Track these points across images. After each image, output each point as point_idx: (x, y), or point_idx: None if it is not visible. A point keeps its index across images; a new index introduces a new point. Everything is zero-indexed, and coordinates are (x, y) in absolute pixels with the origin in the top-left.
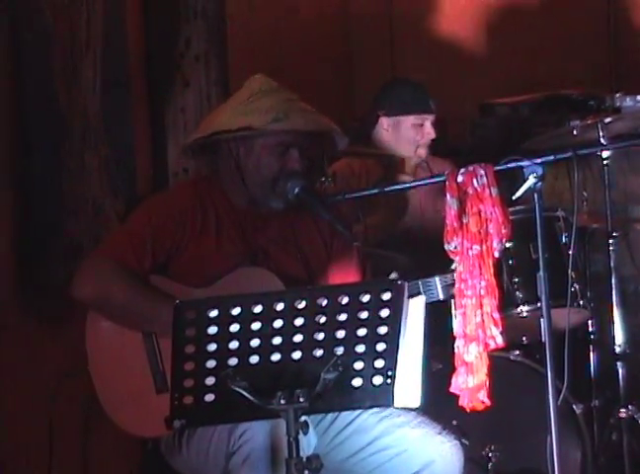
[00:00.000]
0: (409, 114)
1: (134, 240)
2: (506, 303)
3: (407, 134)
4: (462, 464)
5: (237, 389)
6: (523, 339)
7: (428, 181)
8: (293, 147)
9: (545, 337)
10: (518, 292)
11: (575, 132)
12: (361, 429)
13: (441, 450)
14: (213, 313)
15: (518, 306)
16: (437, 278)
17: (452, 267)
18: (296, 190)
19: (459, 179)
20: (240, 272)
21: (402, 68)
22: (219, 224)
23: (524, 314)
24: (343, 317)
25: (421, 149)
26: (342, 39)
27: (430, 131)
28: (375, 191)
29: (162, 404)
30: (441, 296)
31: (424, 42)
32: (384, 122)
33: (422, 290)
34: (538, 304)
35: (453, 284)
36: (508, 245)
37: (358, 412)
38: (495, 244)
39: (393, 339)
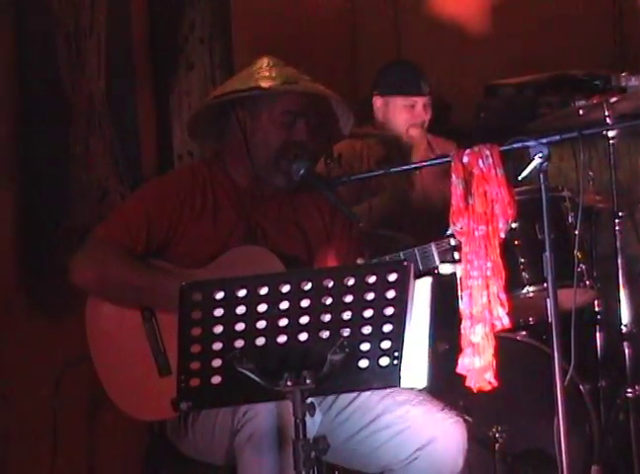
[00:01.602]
0: (398, 94)
1: (129, 222)
2: (512, 284)
3: (397, 115)
4: (465, 441)
5: (244, 371)
6: (530, 319)
7: (433, 161)
8: (300, 118)
9: (552, 317)
10: (524, 273)
11: (580, 112)
12: (363, 407)
13: (444, 427)
14: (219, 295)
15: (524, 287)
16: (433, 245)
17: (448, 232)
18: (302, 171)
19: (465, 160)
20: (239, 250)
21: (406, 51)
22: (218, 206)
23: (531, 295)
24: (349, 298)
25: (412, 130)
26: (346, 23)
27: (420, 113)
28: (380, 172)
29: (165, 386)
30: (438, 262)
31: (428, 25)
32: (377, 102)
33: (418, 258)
34: (544, 285)
35: (449, 249)
36: (514, 225)
37: None
38: (501, 225)
39: (399, 320)
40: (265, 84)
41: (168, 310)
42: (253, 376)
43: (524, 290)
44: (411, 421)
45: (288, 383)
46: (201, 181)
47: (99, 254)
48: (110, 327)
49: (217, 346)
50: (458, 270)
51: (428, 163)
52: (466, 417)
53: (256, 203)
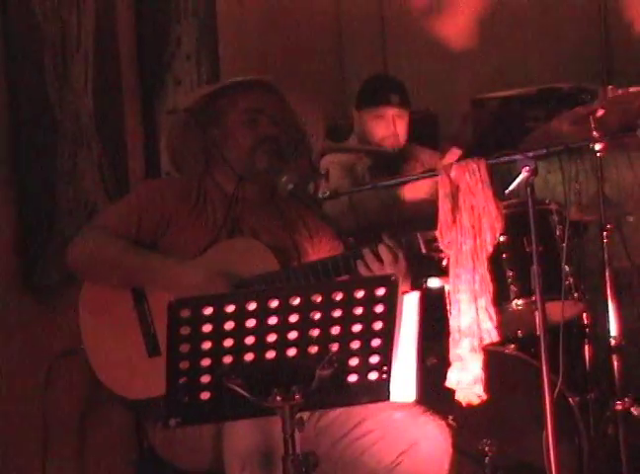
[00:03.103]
0: (368, 106)
1: (123, 212)
2: (500, 297)
3: (369, 127)
4: (450, 444)
5: (233, 387)
6: (518, 333)
7: (421, 175)
8: (261, 113)
9: (540, 330)
10: (512, 286)
11: (568, 126)
12: (345, 413)
13: (426, 430)
14: (208, 311)
15: (512, 300)
16: (418, 234)
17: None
18: (290, 186)
19: (452, 173)
20: (230, 242)
21: (394, 65)
22: (208, 207)
23: (519, 308)
24: (337, 313)
25: (384, 142)
26: (333, 37)
27: (390, 124)
28: (366, 187)
29: (155, 366)
30: (424, 250)
31: (415, 39)
32: (354, 116)
33: (404, 245)
34: (533, 298)
35: (435, 240)
36: (501, 239)
37: None
38: (488, 238)
39: (388, 334)
40: (207, 90)
41: (159, 290)
42: (242, 392)
43: (513, 304)
44: (393, 425)
45: (277, 399)
46: (193, 184)
47: (93, 236)
48: (102, 308)
49: (206, 362)
50: (446, 283)
51: (415, 177)
52: (450, 420)
53: (245, 207)
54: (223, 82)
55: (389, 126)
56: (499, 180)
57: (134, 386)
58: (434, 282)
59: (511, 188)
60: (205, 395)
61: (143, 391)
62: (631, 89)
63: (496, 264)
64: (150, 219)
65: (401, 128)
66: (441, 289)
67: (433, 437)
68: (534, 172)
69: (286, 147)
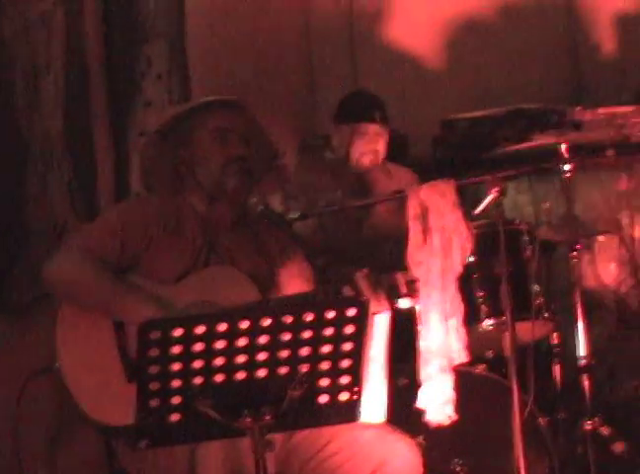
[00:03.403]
0: (350, 122)
1: (104, 235)
2: (470, 318)
3: (350, 142)
4: (420, 462)
5: (203, 408)
6: (489, 353)
7: (391, 196)
8: (230, 132)
9: (510, 350)
10: (482, 306)
11: (537, 146)
12: (314, 434)
13: (395, 448)
14: (178, 332)
15: (482, 320)
16: (399, 275)
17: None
18: (260, 207)
19: (422, 195)
20: (210, 270)
21: (364, 85)
22: (184, 229)
23: (489, 328)
24: (308, 334)
25: (364, 158)
26: (303, 57)
27: (372, 140)
28: (334, 208)
29: (132, 392)
30: (404, 290)
31: (385, 59)
32: (334, 131)
33: (384, 285)
34: (503, 318)
35: (415, 281)
36: (471, 259)
37: None
38: (458, 259)
39: (358, 355)
40: (176, 111)
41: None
42: (212, 413)
43: (483, 324)
44: (362, 444)
45: (247, 420)
46: (169, 205)
47: (73, 257)
48: (81, 328)
49: (176, 383)
50: (417, 304)
51: (384, 198)
52: (419, 439)
53: (219, 229)
54: (193, 102)
55: (371, 143)
56: (468, 200)
57: (111, 412)
58: (404, 303)
59: (479, 208)
60: (176, 416)
61: (120, 418)
62: (600, 110)
63: (466, 284)
64: (132, 243)
65: (381, 146)
66: (412, 310)
67: (402, 455)
68: (503, 192)
69: (257, 167)
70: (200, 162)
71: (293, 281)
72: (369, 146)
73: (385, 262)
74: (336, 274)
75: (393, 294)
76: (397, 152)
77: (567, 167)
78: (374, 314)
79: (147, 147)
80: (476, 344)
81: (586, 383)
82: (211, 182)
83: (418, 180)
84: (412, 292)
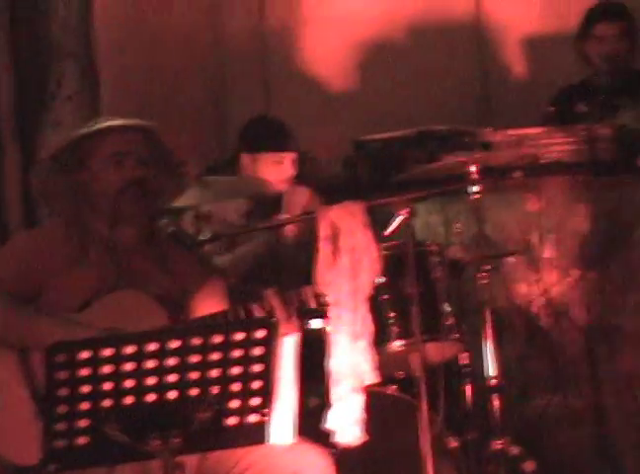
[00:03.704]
0: (267, 151)
1: (8, 262)
2: (381, 338)
3: (267, 171)
4: (334, 471)
5: (111, 431)
6: (400, 373)
7: (300, 217)
8: (127, 156)
9: (419, 371)
10: (393, 327)
11: (446, 167)
12: (226, 452)
13: (308, 458)
14: (85, 355)
15: (393, 341)
16: (306, 289)
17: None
18: (171, 229)
19: (332, 216)
20: (116, 295)
21: (276, 108)
22: (88, 255)
23: (400, 349)
24: (217, 356)
25: (280, 185)
26: (215, 80)
27: (288, 168)
28: (244, 229)
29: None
30: (313, 305)
31: (297, 81)
32: (245, 160)
33: (294, 300)
34: (413, 339)
35: (323, 295)
36: (382, 280)
37: None
38: (368, 280)
39: (268, 377)
40: (74, 134)
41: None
42: (120, 436)
43: (393, 345)
44: (274, 457)
45: (156, 443)
46: (74, 231)
47: None
48: None
49: (84, 406)
50: (328, 324)
51: (294, 219)
52: (333, 450)
53: (126, 253)
54: (85, 129)
55: (288, 170)
56: (379, 221)
57: (25, 451)
58: (315, 323)
59: (389, 229)
60: (83, 440)
61: (32, 457)
62: (509, 131)
63: (377, 305)
64: (36, 273)
65: (294, 172)
66: (323, 330)
67: (315, 465)
68: (412, 214)
69: (161, 187)
70: (98, 187)
71: (206, 303)
72: (287, 174)
73: (295, 279)
74: (246, 292)
75: (303, 310)
76: (307, 174)
77: (476, 188)
78: (284, 334)
79: (40, 173)
80: (387, 364)
81: (495, 403)
82: (109, 206)
83: (319, 200)
84: (320, 306)
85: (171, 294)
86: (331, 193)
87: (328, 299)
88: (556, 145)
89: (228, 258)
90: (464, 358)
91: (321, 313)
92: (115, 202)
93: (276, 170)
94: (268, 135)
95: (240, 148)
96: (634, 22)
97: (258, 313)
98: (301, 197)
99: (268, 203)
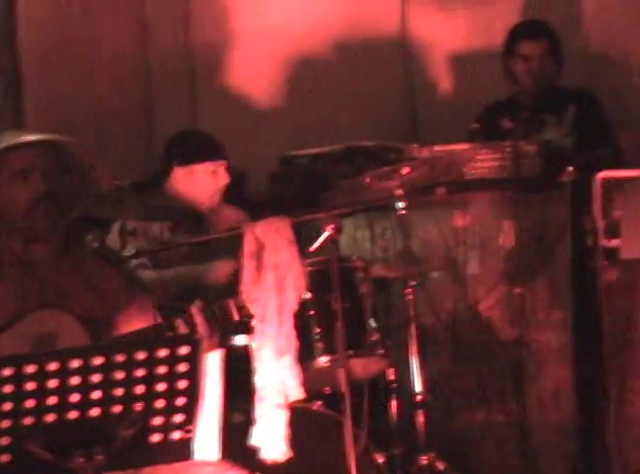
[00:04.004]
0: (203, 161)
1: None
2: (306, 354)
3: (202, 182)
4: None
5: (33, 449)
6: (326, 389)
7: (226, 233)
8: (32, 171)
9: (344, 387)
10: (318, 343)
11: (373, 184)
12: (154, 472)
13: None
14: (7, 372)
15: (318, 357)
16: (230, 301)
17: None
18: (95, 244)
19: (257, 231)
20: (36, 315)
21: (203, 123)
22: (5, 275)
23: (325, 365)
24: (141, 373)
25: (215, 196)
26: (142, 97)
27: (223, 177)
28: (168, 246)
29: None
30: (236, 317)
31: (225, 97)
32: (179, 172)
33: (217, 314)
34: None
35: (246, 307)
36: (308, 296)
37: None
38: (293, 295)
39: (192, 393)
40: None
41: None
42: (43, 454)
43: (319, 360)
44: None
45: (79, 460)
46: None
47: None
48: None
49: (6, 424)
50: (253, 341)
51: (219, 235)
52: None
53: (44, 270)
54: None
55: (224, 179)
56: (306, 237)
57: None
58: (240, 339)
59: (314, 246)
60: (5, 457)
61: None
62: (435, 148)
63: (302, 321)
64: None
65: (228, 180)
66: (248, 346)
67: None
68: (338, 230)
69: (71, 198)
70: (7, 205)
71: (131, 320)
72: (222, 182)
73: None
74: (170, 308)
75: (227, 323)
76: (235, 189)
77: (401, 204)
78: (208, 350)
79: None
80: (313, 380)
81: (421, 418)
82: (19, 223)
83: (250, 218)
84: (244, 318)
85: (94, 313)
86: (258, 208)
87: (252, 312)
88: (482, 161)
89: (153, 275)
90: (390, 374)
91: (245, 325)
92: (25, 219)
93: (211, 180)
94: (200, 145)
95: (171, 162)
96: (557, 40)
97: (182, 328)
98: (232, 217)
99: (193, 220)
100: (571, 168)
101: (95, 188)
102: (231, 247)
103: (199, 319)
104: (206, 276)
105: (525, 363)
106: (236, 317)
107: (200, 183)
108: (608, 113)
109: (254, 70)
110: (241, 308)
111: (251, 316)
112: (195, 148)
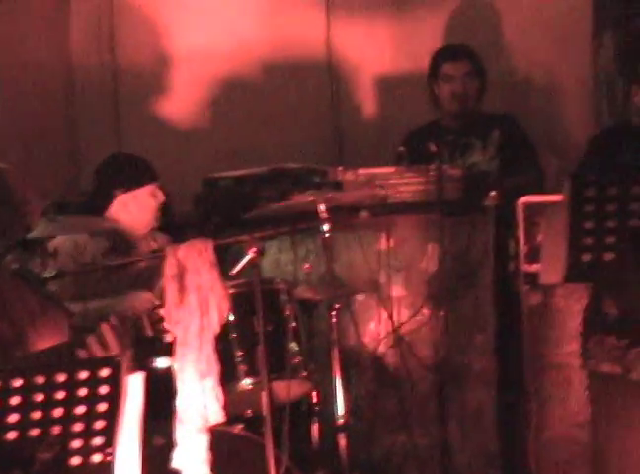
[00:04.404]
0: (144, 185)
1: None
2: (229, 377)
3: (146, 204)
4: None
5: None
6: (248, 412)
7: (148, 256)
8: None
9: (265, 409)
10: (241, 366)
11: (296, 206)
12: None
13: None
14: None
15: (241, 379)
16: (144, 315)
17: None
18: (14, 265)
19: (179, 254)
20: None
21: (128, 145)
22: None
23: (248, 387)
24: (60, 395)
25: (156, 215)
26: (65, 117)
27: (161, 197)
28: (93, 268)
29: None
30: (150, 332)
31: (149, 118)
32: (123, 199)
33: (130, 327)
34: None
35: (162, 320)
36: (231, 319)
37: None
38: (215, 318)
39: (112, 416)
40: None
41: None
42: None
43: (242, 383)
44: None
45: None
46: None
47: None
48: None
49: None
50: (174, 363)
51: (142, 258)
52: None
53: None
54: None
55: (162, 198)
56: (230, 260)
57: None
58: (161, 362)
59: (236, 268)
60: None
61: None
62: (360, 170)
63: (225, 343)
64: None
65: (163, 200)
66: (169, 369)
67: None
68: (261, 252)
69: (1, 228)
70: None
71: (44, 335)
72: (160, 202)
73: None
74: (80, 325)
75: (139, 339)
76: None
77: (325, 227)
78: (129, 372)
79: None
80: (235, 403)
81: (343, 441)
82: None
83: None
84: (157, 334)
85: (4, 335)
86: (181, 230)
87: (174, 334)
88: (406, 185)
89: (77, 307)
90: (313, 397)
91: (159, 340)
92: None
93: (154, 202)
94: (139, 170)
95: (111, 190)
96: (481, 63)
97: (94, 345)
98: (161, 243)
99: (125, 245)
100: (494, 192)
101: (25, 222)
102: (153, 277)
103: (109, 335)
104: (125, 308)
105: (448, 387)
106: (149, 332)
107: (143, 206)
108: (532, 137)
109: (179, 91)
110: (155, 323)
111: (165, 331)
112: (134, 173)
